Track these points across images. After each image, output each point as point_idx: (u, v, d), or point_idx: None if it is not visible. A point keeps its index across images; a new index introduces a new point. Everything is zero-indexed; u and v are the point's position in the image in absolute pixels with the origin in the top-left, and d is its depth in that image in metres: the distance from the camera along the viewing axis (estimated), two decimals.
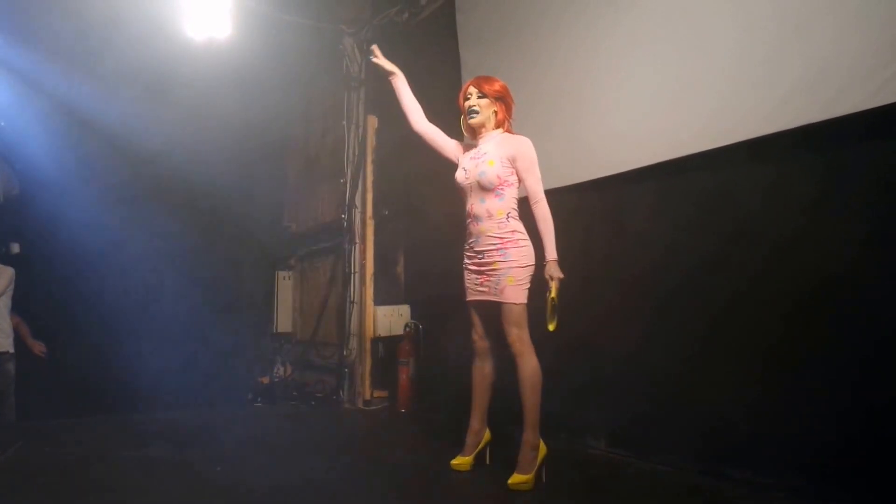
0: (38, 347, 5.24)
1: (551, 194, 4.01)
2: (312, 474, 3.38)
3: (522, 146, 3.17)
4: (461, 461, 3.26)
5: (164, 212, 6.62)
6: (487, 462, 3.34)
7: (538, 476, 3.05)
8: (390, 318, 5.69)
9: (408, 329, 5.51)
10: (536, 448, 3.05)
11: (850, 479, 2.67)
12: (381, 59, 3.60)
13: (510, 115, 3.30)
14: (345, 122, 6.27)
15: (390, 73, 3.56)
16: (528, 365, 3.06)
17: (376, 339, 5.79)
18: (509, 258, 3.09)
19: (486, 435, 3.34)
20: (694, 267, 3.34)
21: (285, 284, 7.43)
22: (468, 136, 3.42)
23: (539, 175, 3.16)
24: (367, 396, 5.75)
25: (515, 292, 3.07)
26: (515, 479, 2.99)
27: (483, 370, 3.30)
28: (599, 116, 3.82)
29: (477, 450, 3.30)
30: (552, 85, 4.11)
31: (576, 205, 4.02)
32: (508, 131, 3.28)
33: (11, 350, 4.89)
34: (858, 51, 2.64)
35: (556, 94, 4.08)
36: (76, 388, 5.59)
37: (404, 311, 5.69)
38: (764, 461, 2.96)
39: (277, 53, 6.50)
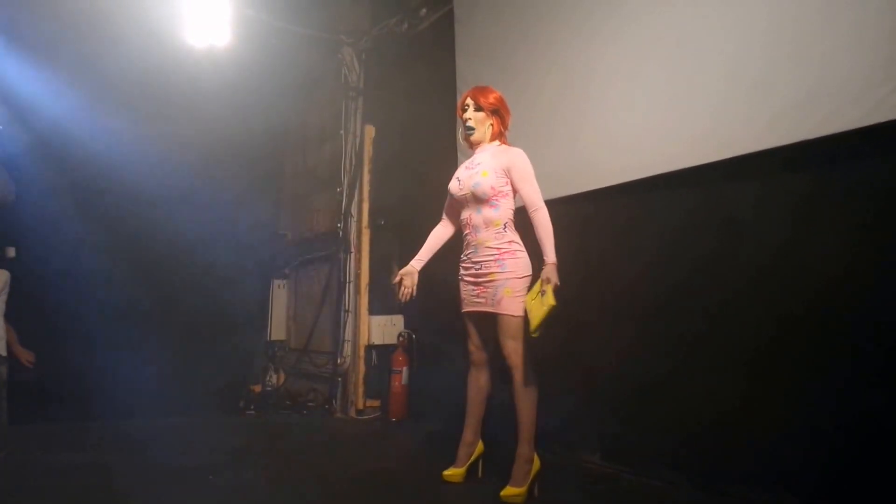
0: (26, 356, 5.10)
1: (548, 205, 4.05)
2: (305, 484, 3.36)
3: (517, 157, 3.17)
4: (453, 472, 3.25)
5: (159, 218, 6.60)
6: (480, 475, 3.33)
7: (531, 490, 3.04)
8: (384, 328, 5.69)
9: (401, 338, 5.51)
10: (530, 461, 3.04)
11: (846, 497, 2.67)
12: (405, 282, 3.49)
13: (506, 127, 3.31)
14: (342, 132, 6.29)
15: (414, 271, 3.51)
16: (527, 381, 3.05)
17: (370, 348, 5.79)
18: (506, 269, 3.08)
19: (479, 447, 3.33)
20: (689, 281, 3.35)
21: (280, 292, 7.42)
22: (465, 145, 3.44)
23: (536, 185, 3.14)
24: (360, 405, 5.74)
25: (513, 304, 3.06)
26: (508, 491, 2.98)
27: (478, 382, 3.28)
28: (595, 129, 3.83)
29: (469, 461, 3.29)
30: (548, 97, 4.13)
31: (570, 215, 4.02)
32: (504, 143, 3.29)
33: (4, 353, 4.86)
34: (852, 69, 2.67)
35: (552, 107, 4.10)
36: (68, 394, 5.55)
37: (398, 320, 5.69)
38: (759, 478, 2.96)
39: (276, 62, 6.51)
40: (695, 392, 3.25)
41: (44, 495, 3.03)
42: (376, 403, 5.71)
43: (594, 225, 3.93)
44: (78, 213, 6.25)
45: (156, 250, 6.50)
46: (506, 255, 3.10)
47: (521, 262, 3.10)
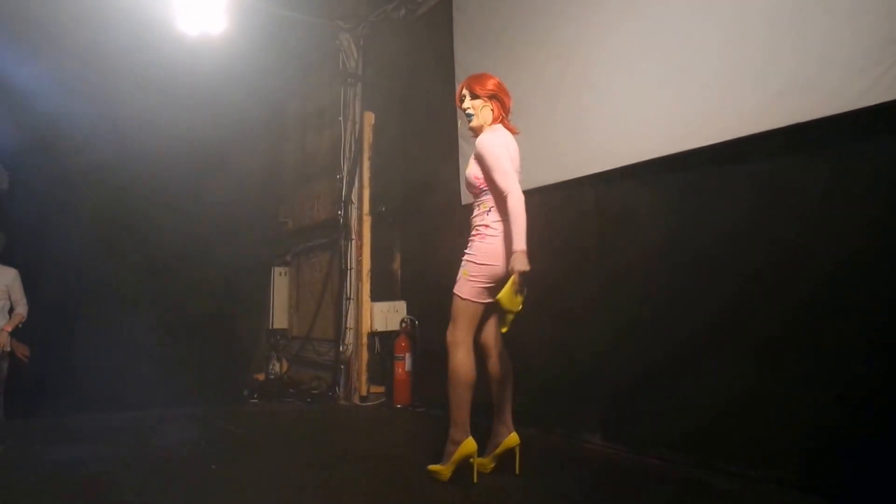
0: (21, 350, 5.07)
1: (544, 190, 4.06)
2: (309, 471, 3.38)
3: (478, 146, 3.10)
4: (480, 461, 3.12)
5: (159, 207, 6.60)
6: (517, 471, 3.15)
7: (458, 470, 3.01)
8: (386, 314, 5.70)
9: (404, 324, 5.52)
10: (456, 443, 3.00)
11: (837, 470, 2.71)
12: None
13: (507, 110, 3.24)
14: (341, 119, 6.27)
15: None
16: (452, 361, 3.01)
17: (372, 335, 5.80)
18: (471, 251, 3.06)
19: (511, 438, 3.14)
20: (686, 262, 3.37)
21: (281, 280, 7.43)
22: (473, 135, 3.40)
23: (502, 167, 2.98)
24: (364, 392, 5.76)
25: (461, 285, 3.03)
26: (431, 467, 3.08)
27: (489, 368, 3.20)
28: (594, 114, 3.83)
29: (496, 452, 3.17)
30: (546, 83, 4.12)
31: (569, 200, 4.04)
32: (507, 126, 3.23)
33: (7, 348, 4.87)
34: (848, 51, 2.66)
35: (550, 92, 4.09)
36: (68, 386, 5.57)
37: (400, 306, 5.71)
38: (756, 454, 2.99)
39: (273, 49, 6.49)
40: (693, 373, 3.28)
41: (44, 489, 3.02)
42: (380, 389, 5.73)
43: (593, 209, 3.94)
44: (74, 204, 6.24)
45: (155, 240, 6.51)
46: (476, 238, 3.06)
47: (484, 246, 3.02)
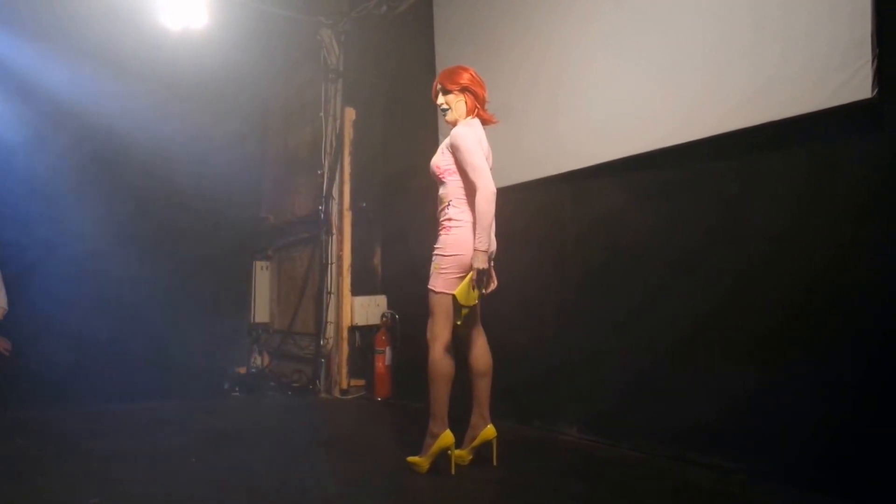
0: (3, 345, 5.04)
1: (525, 187, 4.11)
2: (289, 465, 3.41)
3: (453, 137, 3.12)
4: (458, 453, 3.18)
5: (142, 202, 6.58)
6: (494, 462, 3.22)
7: (436, 462, 3.09)
8: (367, 308, 5.75)
9: (384, 318, 5.58)
10: (434, 435, 3.07)
11: (810, 462, 2.79)
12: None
13: (481, 102, 3.24)
14: (322, 114, 6.29)
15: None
16: (430, 357, 3.07)
17: (353, 329, 5.85)
18: (438, 245, 3.12)
19: (488, 431, 3.19)
20: (664, 259, 3.44)
21: (263, 275, 7.45)
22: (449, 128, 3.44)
23: (474, 162, 3.02)
24: (344, 385, 5.81)
25: (434, 279, 3.09)
26: (410, 458, 3.14)
27: (469, 361, 3.25)
28: (574, 110, 3.88)
29: (473, 444, 3.22)
30: (527, 79, 4.17)
31: (549, 197, 4.09)
32: (482, 118, 3.25)
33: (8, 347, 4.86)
34: (827, 49, 2.73)
35: (531, 89, 4.14)
36: (49, 380, 5.53)
37: (381, 300, 5.76)
38: (730, 446, 3.07)
39: (255, 44, 6.49)
40: (669, 367, 3.36)
41: (26, 483, 3.03)
42: (361, 383, 5.79)
43: (571, 206, 3.99)
44: (55, 200, 6.21)
45: (138, 235, 6.49)
46: (442, 232, 3.12)
47: (451, 238, 3.07)
